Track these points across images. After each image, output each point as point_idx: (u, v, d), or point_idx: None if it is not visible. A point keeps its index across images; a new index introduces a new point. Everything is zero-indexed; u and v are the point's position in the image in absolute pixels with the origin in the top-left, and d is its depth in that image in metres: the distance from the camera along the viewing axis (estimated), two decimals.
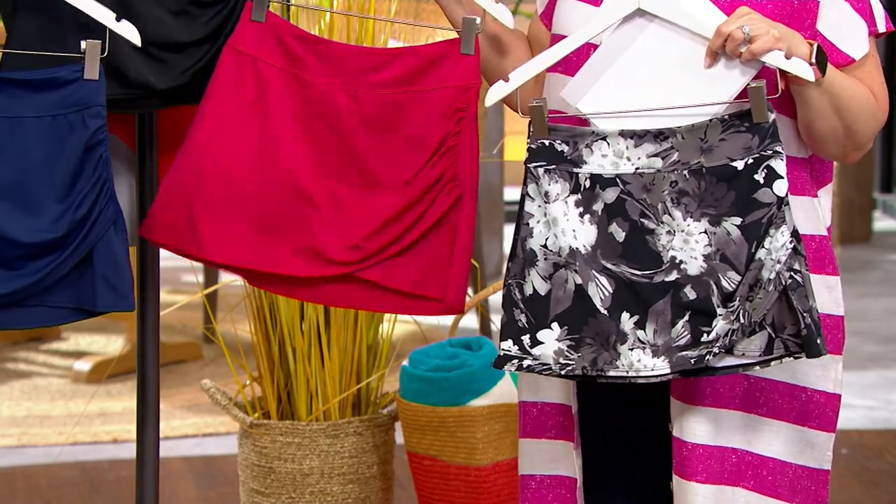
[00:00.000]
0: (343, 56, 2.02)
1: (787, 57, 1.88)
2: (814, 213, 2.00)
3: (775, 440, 1.99)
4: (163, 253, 2.24)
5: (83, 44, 1.96)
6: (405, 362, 2.93)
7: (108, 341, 4.34)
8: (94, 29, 1.97)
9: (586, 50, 1.99)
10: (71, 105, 1.97)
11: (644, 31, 1.94)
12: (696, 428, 1.97)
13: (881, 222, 5.61)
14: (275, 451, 2.78)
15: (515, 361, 1.93)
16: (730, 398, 1.99)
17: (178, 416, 3.78)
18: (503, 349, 1.94)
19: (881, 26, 1.99)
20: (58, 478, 3.44)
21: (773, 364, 1.89)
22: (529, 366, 1.93)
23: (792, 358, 1.88)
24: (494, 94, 1.96)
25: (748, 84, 1.90)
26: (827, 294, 1.99)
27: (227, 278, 3.87)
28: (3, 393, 3.96)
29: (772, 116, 1.90)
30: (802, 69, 1.89)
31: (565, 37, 1.99)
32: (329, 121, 2.01)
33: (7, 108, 1.95)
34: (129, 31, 1.97)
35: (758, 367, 1.89)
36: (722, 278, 1.89)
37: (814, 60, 1.90)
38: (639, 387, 1.97)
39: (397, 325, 2.94)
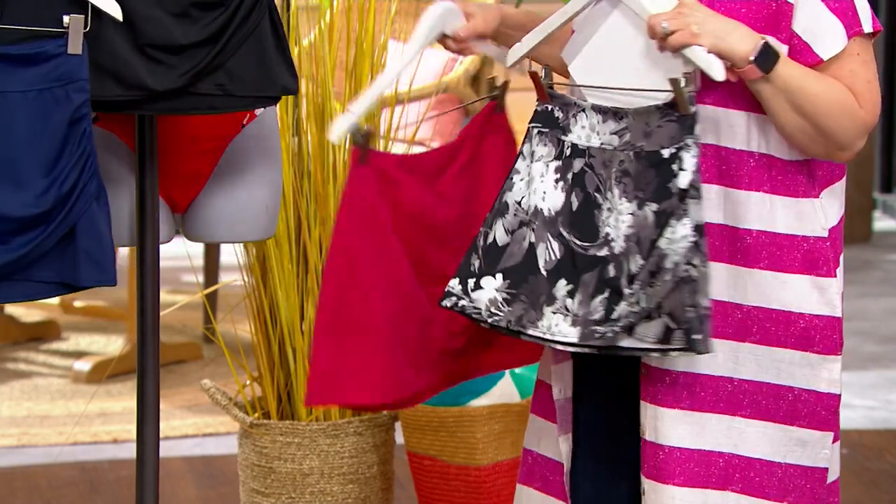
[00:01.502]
0: (427, 163, 2.06)
1: (713, 52, 1.91)
2: (810, 215, 1.99)
3: (762, 441, 1.99)
4: (162, 252, 2.24)
5: (66, 18, 1.96)
6: None
7: (108, 341, 4.34)
8: (85, 5, 1.97)
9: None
10: (55, 79, 1.97)
11: (616, 8, 1.99)
12: (674, 432, 1.98)
13: (881, 222, 5.61)
14: (275, 451, 2.78)
15: (454, 299, 2.00)
16: (713, 402, 1.99)
17: (178, 416, 3.78)
18: (449, 286, 2.01)
19: (867, 26, 1.99)
20: (58, 478, 3.44)
21: (674, 355, 1.93)
22: (463, 306, 2.00)
23: (693, 352, 1.91)
24: (513, 55, 2.04)
25: (670, 76, 1.93)
26: (818, 295, 1.99)
27: (226, 278, 3.87)
28: (3, 393, 3.96)
29: (692, 109, 1.93)
30: (712, 66, 1.91)
31: None
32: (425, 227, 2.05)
33: None
34: (111, 7, 1.97)
35: (656, 355, 1.93)
36: (631, 260, 1.94)
37: (753, 58, 1.91)
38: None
39: None
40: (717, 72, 1.92)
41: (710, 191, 1.97)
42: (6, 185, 1.96)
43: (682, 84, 1.92)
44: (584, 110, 2.00)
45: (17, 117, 1.96)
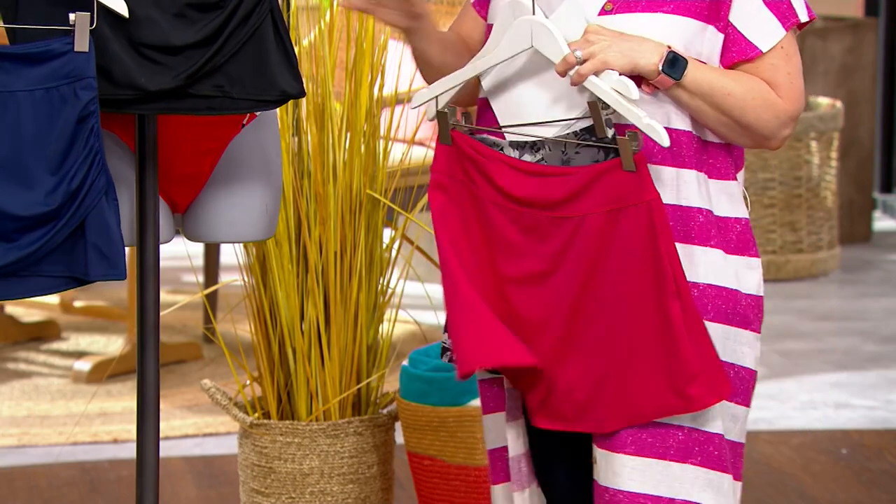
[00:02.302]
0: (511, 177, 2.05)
1: (629, 71, 1.98)
2: (737, 197, 2.08)
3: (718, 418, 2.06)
4: (163, 252, 2.24)
5: (72, 16, 1.96)
6: (405, 362, 2.93)
7: (108, 341, 4.34)
8: (91, 2, 1.97)
9: None
10: (63, 77, 1.97)
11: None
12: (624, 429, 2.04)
13: (881, 222, 5.61)
14: (275, 450, 2.78)
15: (448, 353, 2.14)
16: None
17: (179, 416, 3.78)
18: (443, 341, 2.16)
19: (802, 16, 2.06)
20: (58, 478, 3.44)
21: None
22: (451, 358, 2.11)
23: None
24: (418, 99, 2.09)
25: (588, 99, 2.00)
26: (750, 275, 2.07)
27: (226, 278, 3.87)
28: (3, 393, 3.96)
29: (611, 132, 1.99)
30: (628, 88, 1.98)
31: (491, 26, 2.09)
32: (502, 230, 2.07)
33: (1, 83, 1.96)
34: (118, 5, 1.97)
35: None
36: None
37: (662, 69, 1.99)
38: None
39: (397, 326, 2.95)
40: (633, 91, 1.99)
41: (663, 172, 2.04)
42: (15, 184, 1.97)
43: (601, 107, 1.98)
44: (502, 149, 2.05)
45: (25, 116, 1.97)
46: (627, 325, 2.02)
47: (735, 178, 2.10)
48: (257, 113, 2.29)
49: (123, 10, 1.97)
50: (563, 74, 2.00)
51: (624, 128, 2.02)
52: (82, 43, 1.96)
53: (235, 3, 2.04)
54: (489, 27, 2.13)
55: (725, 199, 2.07)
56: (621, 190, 2.00)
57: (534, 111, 2.05)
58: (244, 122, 2.29)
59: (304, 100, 2.82)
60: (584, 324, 2.03)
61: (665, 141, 1.99)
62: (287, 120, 2.80)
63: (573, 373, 2.04)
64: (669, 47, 2.00)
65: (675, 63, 2.00)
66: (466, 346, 2.04)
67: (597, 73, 1.98)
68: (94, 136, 1.98)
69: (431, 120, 2.11)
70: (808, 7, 2.08)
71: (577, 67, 1.98)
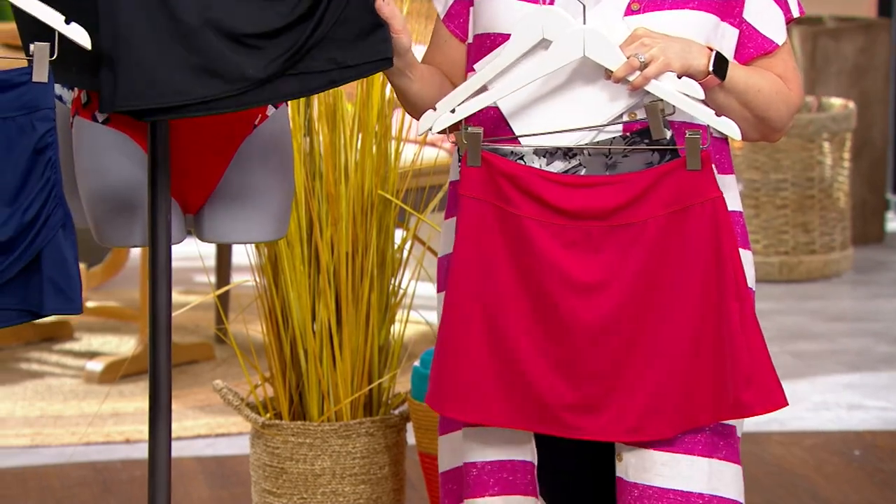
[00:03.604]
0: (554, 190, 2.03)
1: (684, 73, 2.00)
2: (735, 190, 2.11)
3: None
4: (175, 253, 2.24)
5: (31, 46, 1.94)
6: (417, 363, 2.93)
7: (120, 342, 4.35)
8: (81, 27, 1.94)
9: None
10: (20, 108, 1.95)
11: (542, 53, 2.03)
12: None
13: (894, 223, 5.60)
14: (286, 451, 2.78)
15: None
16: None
17: (191, 417, 3.79)
18: None
19: (795, 12, 2.12)
20: (70, 478, 3.44)
21: None
22: None
23: None
24: (426, 123, 2.06)
25: (644, 102, 2.00)
26: (749, 270, 2.09)
27: (238, 279, 3.87)
28: (16, 393, 3.97)
29: (669, 133, 1.99)
30: (692, 88, 2.00)
31: (493, 35, 2.06)
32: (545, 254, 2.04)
33: None
34: (79, 35, 1.95)
35: None
36: None
37: (711, 69, 2.01)
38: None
39: (409, 326, 2.94)
40: (699, 90, 2.01)
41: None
42: None
43: (660, 108, 1.99)
44: (521, 157, 2.03)
45: None
46: (689, 329, 2.01)
47: (733, 172, 2.13)
48: (268, 113, 2.29)
49: (86, 42, 1.95)
50: (618, 80, 1.99)
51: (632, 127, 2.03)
52: (41, 73, 1.93)
53: None
54: (472, 46, 2.11)
55: (731, 194, 2.09)
56: (684, 190, 2.00)
57: (559, 120, 2.04)
58: (256, 122, 2.29)
59: (315, 100, 2.82)
60: (646, 331, 2.02)
61: (738, 134, 2.01)
62: (299, 120, 2.80)
63: (635, 382, 2.02)
64: (711, 48, 2.02)
65: (720, 63, 2.02)
66: (441, 386, 2.04)
67: (658, 76, 1.99)
68: (50, 168, 1.96)
69: (441, 133, 2.08)
70: (799, 3, 2.13)
71: (639, 71, 1.98)
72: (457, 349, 2.03)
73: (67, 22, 1.94)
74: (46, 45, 1.93)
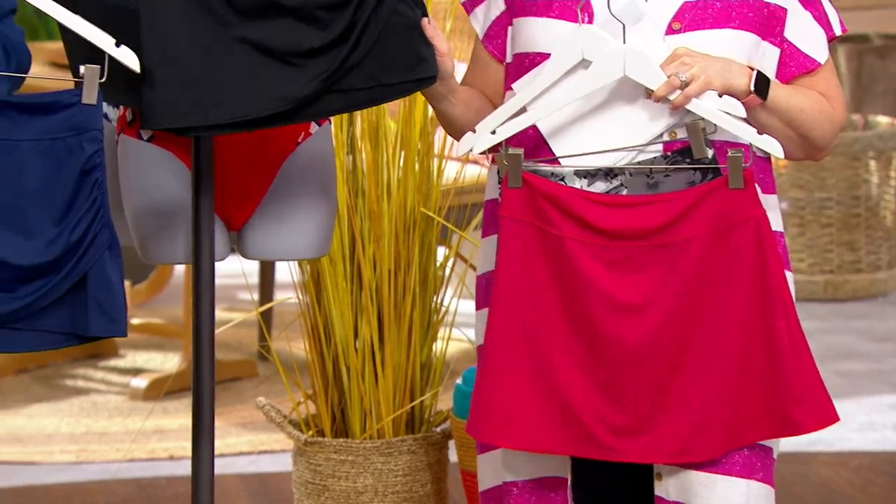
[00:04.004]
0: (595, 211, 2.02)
1: (725, 92, 1.99)
2: (777, 210, 2.11)
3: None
4: (218, 270, 2.25)
5: (82, 69, 1.96)
6: (459, 380, 2.92)
7: (164, 359, 4.37)
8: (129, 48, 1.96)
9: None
10: (69, 129, 1.97)
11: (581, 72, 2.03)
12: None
13: None
14: (329, 468, 2.78)
15: None
16: None
17: (234, 434, 3.80)
18: None
19: (837, 30, 2.11)
20: (115, 494, 3.46)
21: None
22: None
23: None
24: (467, 145, 2.05)
25: (686, 121, 2.00)
26: (791, 288, 2.07)
27: (281, 296, 3.89)
28: (61, 410, 3.99)
29: (710, 152, 1.99)
30: (734, 107, 1.99)
31: (531, 55, 2.06)
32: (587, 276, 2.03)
33: (5, 131, 1.96)
34: (128, 58, 1.97)
35: None
36: None
37: (753, 88, 2.01)
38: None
39: (451, 343, 2.94)
40: (740, 109, 2.00)
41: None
42: (15, 234, 1.96)
43: (702, 127, 1.98)
44: (561, 179, 2.02)
45: (29, 166, 1.96)
46: (734, 348, 2.00)
47: (776, 192, 2.11)
48: (312, 130, 2.30)
49: (135, 66, 1.97)
50: (659, 99, 1.99)
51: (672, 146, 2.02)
52: (90, 95, 1.96)
53: None
54: (511, 65, 2.11)
55: (773, 214, 2.08)
56: (727, 209, 1.99)
57: (599, 140, 2.04)
58: (299, 139, 2.30)
59: (358, 117, 2.82)
60: (690, 350, 2.01)
61: (780, 152, 2.01)
62: (342, 138, 2.81)
63: (680, 403, 2.01)
64: (752, 67, 2.02)
65: (762, 83, 2.02)
66: (482, 412, 2.03)
67: (699, 95, 1.99)
68: (97, 189, 1.98)
69: (482, 154, 2.08)
70: (840, 21, 2.13)
71: (679, 90, 1.98)
72: (498, 375, 2.03)
73: (117, 45, 1.96)
74: (97, 67, 1.95)
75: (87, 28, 1.96)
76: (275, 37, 1.99)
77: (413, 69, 2.03)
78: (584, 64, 2.01)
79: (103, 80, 1.96)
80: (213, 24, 1.99)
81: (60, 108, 1.97)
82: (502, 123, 2.04)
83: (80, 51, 2.01)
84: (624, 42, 1.99)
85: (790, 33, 2.08)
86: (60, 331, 2.01)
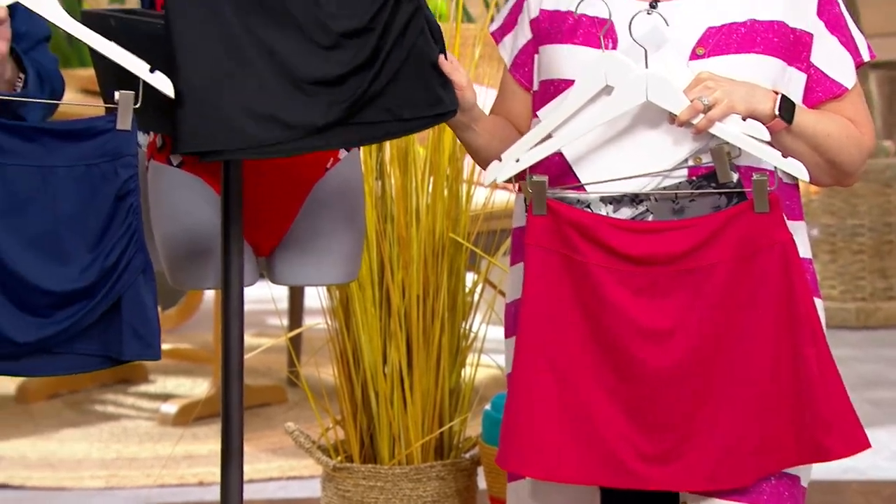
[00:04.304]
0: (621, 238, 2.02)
1: (749, 116, 1.99)
2: (805, 236, 2.10)
3: None
4: (247, 296, 2.26)
5: (116, 94, 1.97)
6: (488, 406, 2.92)
7: (194, 384, 4.38)
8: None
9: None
10: (104, 155, 1.98)
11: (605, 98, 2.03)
12: None
13: None
14: (357, 494, 2.78)
15: None
16: None
17: (263, 460, 3.80)
18: None
19: (865, 56, 2.11)
20: None
21: None
22: None
23: None
24: (492, 174, 2.05)
25: (710, 145, 1.99)
26: (819, 316, 2.05)
27: (310, 321, 3.89)
28: (92, 435, 4.00)
29: (735, 176, 1.99)
30: (759, 131, 1.99)
31: (556, 81, 2.07)
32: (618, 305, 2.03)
33: (40, 157, 1.97)
34: (162, 83, 1.98)
35: None
36: None
37: (778, 112, 2.00)
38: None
39: (480, 369, 2.94)
40: (764, 132, 2.00)
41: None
42: (50, 260, 1.97)
43: (726, 151, 1.98)
44: (587, 206, 2.02)
45: (64, 192, 1.98)
46: (762, 374, 1.99)
47: (803, 218, 2.11)
48: (340, 156, 2.31)
49: (169, 91, 1.98)
50: (682, 123, 1.99)
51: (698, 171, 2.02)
52: (125, 121, 1.97)
53: (386, 23, 2.01)
54: (537, 93, 2.12)
55: (801, 240, 2.07)
56: (752, 233, 1.99)
57: (624, 166, 2.04)
58: (328, 165, 2.30)
59: (387, 143, 2.83)
60: (718, 376, 2.00)
61: (806, 175, 2.00)
62: (371, 163, 2.82)
63: (709, 429, 2.00)
64: (777, 92, 2.02)
65: (787, 107, 2.02)
66: (512, 443, 2.03)
67: (722, 119, 1.99)
68: (132, 214, 1.99)
69: (507, 182, 2.08)
70: (869, 47, 2.12)
71: (702, 115, 1.98)
72: (525, 404, 2.03)
73: (152, 70, 1.97)
74: (131, 93, 1.97)
75: (122, 54, 1.98)
76: (297, 65, 2.00)
77: (431, 106, 2.04)
78: (608, 90, 2.01)
79: (138, 105, 1.97)
80: (235, 51, 2.00)
81: (95, 135, 1.98)
82: (527, 151, 2.04)
83: (112, 77, 2.02)
84: (646, 67, 1.99)
85: (817, 58, 2.07)
86: (95, 354, 2.02)
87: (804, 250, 2.08)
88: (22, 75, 2.06)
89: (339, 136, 2.03)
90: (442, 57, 2.04)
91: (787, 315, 1.99)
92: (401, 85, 2.03)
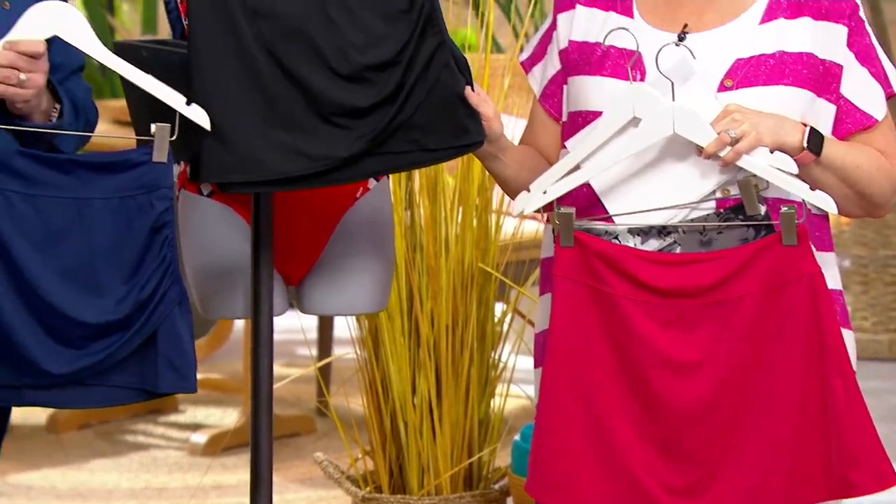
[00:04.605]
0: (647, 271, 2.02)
1: (777, 148, 1.98)
2: (836, 268, 2.08)
3: None
4: (276, 325, 2.26)
5: (153, 127, 1.98)
6: (517, 437, 2.91)
7: (223, 414, 4.38)
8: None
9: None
10: (139, 187, 1.99)
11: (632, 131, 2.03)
12: None
13: None
14: None
15: None
16: None
17: (292, 490, 3.79)
18: None
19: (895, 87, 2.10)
20: None
21: None
22: None
23: None
24: (519, 205, 2.05)
25: (738, 178, 1.99)
26: (850, 348, 2.04)
27: (340, 351, 3.89)
28: (121, 465, 4.01)
29: (763, 209, 1.98)
30: (786, 163, 1.98)
31: (584, 113, 2.07)
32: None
33: (76, 189, 1.98)
34: (199, 116, 1.98)
35: None
36: None
37: (806, 145, 1.99)
38: None
39: (509, 400, 2.93)
40: (792, 165, 1.99)
41: None
42: (85, 291, 1.98)
43: (754, 184, 1.97)
44: (616, 237, 2.02)
45: (100, 224, 1.99)
46: (790, 406, 1.98)
47: (833, 249, 2.10)
48: (370, 186, 2.31)
49: (205, 123, 1.98)
50: (709, 156, 1.99)
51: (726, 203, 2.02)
52: (161, 153, 1.98)
53: (411, 56, 2.01)
54: (566, 124, 2.12)
55: (831, 272, 2.06)
56: (780, 266, 1.98)
57: (652, 198, 2.04)
58: (357, 195, 2.31)
59: (417, 173, 2.84)
60: (745, 409, 1.99)
61: (834, 208, 2.00)
62: (400, 193, 2.83)
63: (737, 462, 2.00)
64: (805, 124, 2.01)
65: (815, 139, 2.01)
66: (539, 474, 2.02)
67: (750, 152, 1.98)
68: (167, 246, 2.00)
69: (536, 212, 2.09)
70: None
71: (729, 147, 1.97)
72: (553, 435, 2.02)
73: (188, 103, 1.98)
74: (167, 126, 1.98)
75: (160, 87, 1.99)
76: (322, 96, 2.01)
77: (457, 136, 2.05)
78: (635, 122, 2.02)
79: (174, 138, 1.98)
80: (259, 82, 2.01)
81: (131, 167, 2.00)
82: (554, 183, 2.04)
83: (144, 109, 2.03)
84: (673, 99, 2.00)
85: (846, 90, 2.07)
86: (131, 387, 2.02)
87: (833, 282, 2.07)
88: (57, 106, 2.08)
89: (363, 168, 2.03)
90: (469, 89, 2.04)
91: (815, 348, 1.98)
92: (426, 116, 2.04)
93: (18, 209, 1.97)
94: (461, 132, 2.05)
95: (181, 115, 1.97)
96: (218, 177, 2.02)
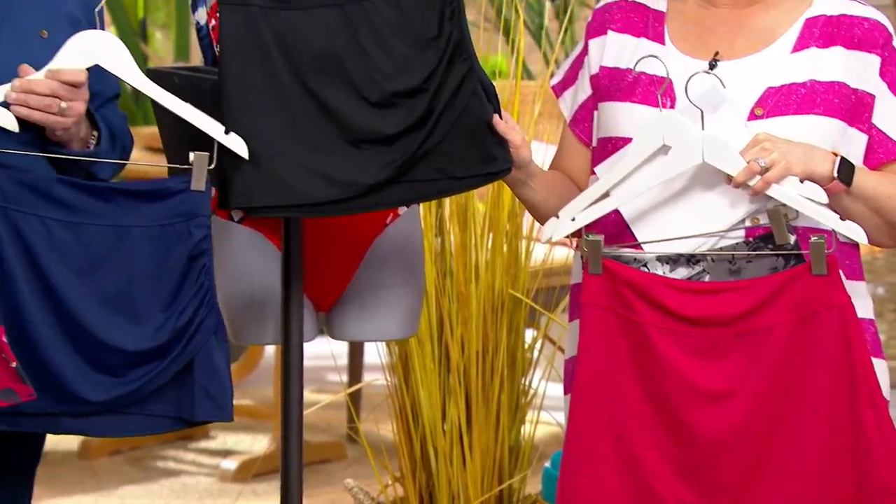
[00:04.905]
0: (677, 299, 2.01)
1: (806, 178, 1.97)
2: (867, 297, 2.07)
3: None
4: (307, 351, 2.26)
5: (191, 155, 1.99)
6: (547, 464, 2.90)
7: (254, 440, 4.38)
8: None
9: None
10: (178, 215, 2.00)
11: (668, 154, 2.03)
12: None
13: None
14: None
15: None
16: None
17: None
18: None
19: None
20: None
21: None
22: None
23: None
24: (548, 232, 2.06)
25: (767, 207, 1.98)
26: (883, 378, 2.02)
27: (370, 377, 3.89)
28: (153, 491, 4.01)
29: (793, 238, 1.97)
30: (815, 193, 1.97)
31: (614, 139, 2.06)
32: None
33: (116, 217, 1.99)
34: (237, 145, 1.99)
35: None
36: None
37: (836, 175, 1.98)
38: None
39: (540, 426, 2.93)
40: (822, 195, 1.98)
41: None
42: (123, 319, 1.99)
43: (784, 213, 1.97)
44: (645, 265, 2.02)
45: (138, 252, 2.00)
46: (820, 436, 1.97)
47: (864, 278, 2.09)
48: (400, 212, 2.32)
49: (244, 152, 1.99)
50: (739, 185, 1.99)
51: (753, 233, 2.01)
52: (199, 182, 1.99)
53: (439, 83, 2.02)
54: (596, 149, 2.12)
55: (862, 301, 2.05)
56: (810, 296, 1.97)
57: (681, 226, 2.04)
58: (387, 221, 2.31)
59: (447, 200, 2.84)
60: (775, 439, 1.98)
61: (864, 238, 1.99)
62: (430, 220, 2.83)
63: (767, 492, 1.98)
64: (836, 153, 2.01)
65: (846, 169, 2.00)
66: (567, 499, 2.02)
67: (780, 181, 1.98)
68: (205, 274, 2.00)
69: (566, 238, 2.08)
70: None
71: (759, 176, 1.97)
72: (581, 462, 2.02)
73: (227, 132, 1.99)
74: (206, 154, 1.98)
75: (198, 115, 2.00)
76: (351, 123, 2.01)
77: (484, 164, 2.05)
78: (665, 150, 2.01)
79: (212, 167, 1.98)
80: (288, 107, 2.02)
81: (169, 195, 2.01)
82: (583, 210, 2.04)
83: (177, 136, 2.04)
84: (703, 128, 1.99)
85: (878, 119, 2.06)
86: (167, 415, 2.03)
87: (864, 311, 2.06)
88: (95, 133, 2.09)
89: (391, 195, 2.04)
90: (497, 116, 2.04)
91: (845, 378, 1.97)
92: (453, 144, 2.04)
93: (58, 237, 1.98)
94: (489, 160, 2.05)
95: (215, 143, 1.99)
96: (245, 201, 2.03)
